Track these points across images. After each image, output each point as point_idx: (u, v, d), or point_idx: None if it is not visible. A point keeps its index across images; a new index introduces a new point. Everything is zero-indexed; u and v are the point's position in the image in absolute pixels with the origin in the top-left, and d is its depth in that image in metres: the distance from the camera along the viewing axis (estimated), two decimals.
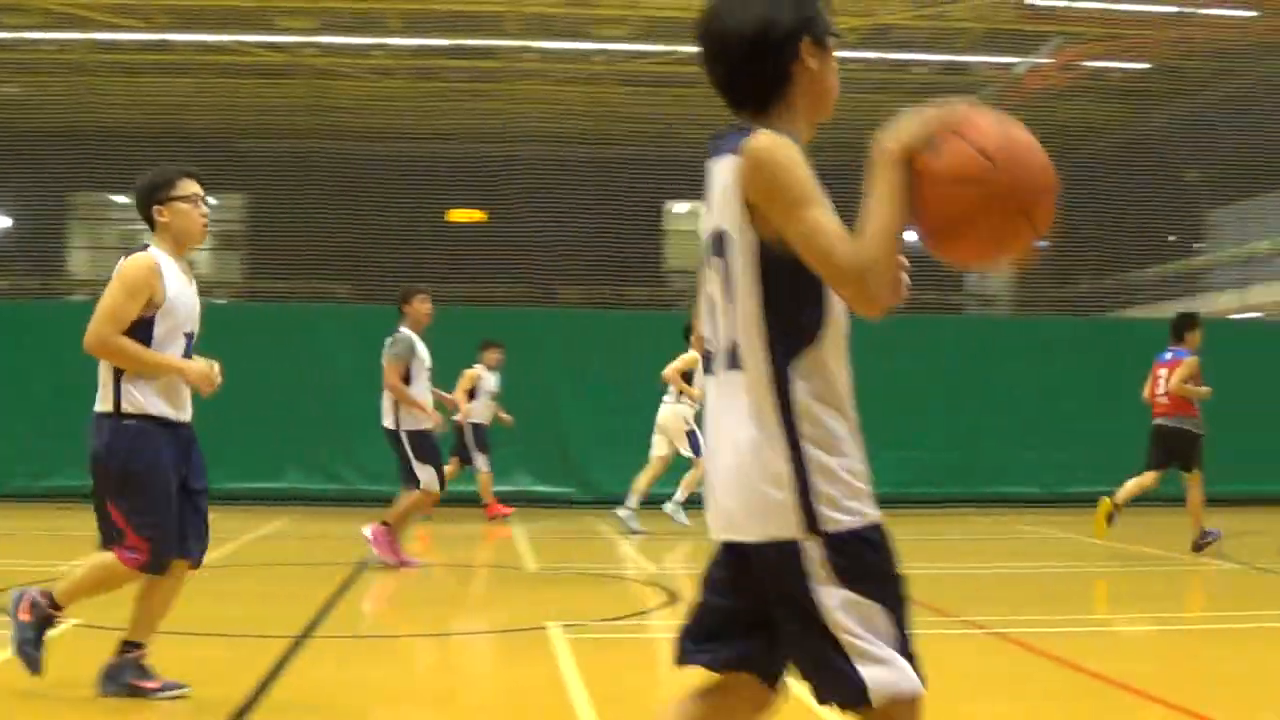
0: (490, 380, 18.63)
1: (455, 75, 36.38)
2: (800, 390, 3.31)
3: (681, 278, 45.16)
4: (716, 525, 3.46)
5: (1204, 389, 14.48)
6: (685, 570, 12.77)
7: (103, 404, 6.54)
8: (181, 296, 6.64)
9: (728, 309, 3.37)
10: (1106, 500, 14.50)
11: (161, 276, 6.51)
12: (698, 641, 3.52)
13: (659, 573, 12.44)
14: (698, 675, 3.50)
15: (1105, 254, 45.04)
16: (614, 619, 9.65)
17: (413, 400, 12.69)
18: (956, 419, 21.19)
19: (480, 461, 18.48)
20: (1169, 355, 14.84)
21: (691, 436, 16.49)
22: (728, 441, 3.37)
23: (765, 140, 3.32)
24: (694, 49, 3.51)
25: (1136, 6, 34.20)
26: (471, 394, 18.31)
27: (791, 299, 3.32)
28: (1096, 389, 21.24)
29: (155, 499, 6.47)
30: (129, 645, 6.64)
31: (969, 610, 10.01)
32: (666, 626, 9.44)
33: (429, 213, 37.54)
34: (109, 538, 6.55)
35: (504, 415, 18.71)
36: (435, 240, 35.89)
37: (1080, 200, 47.00)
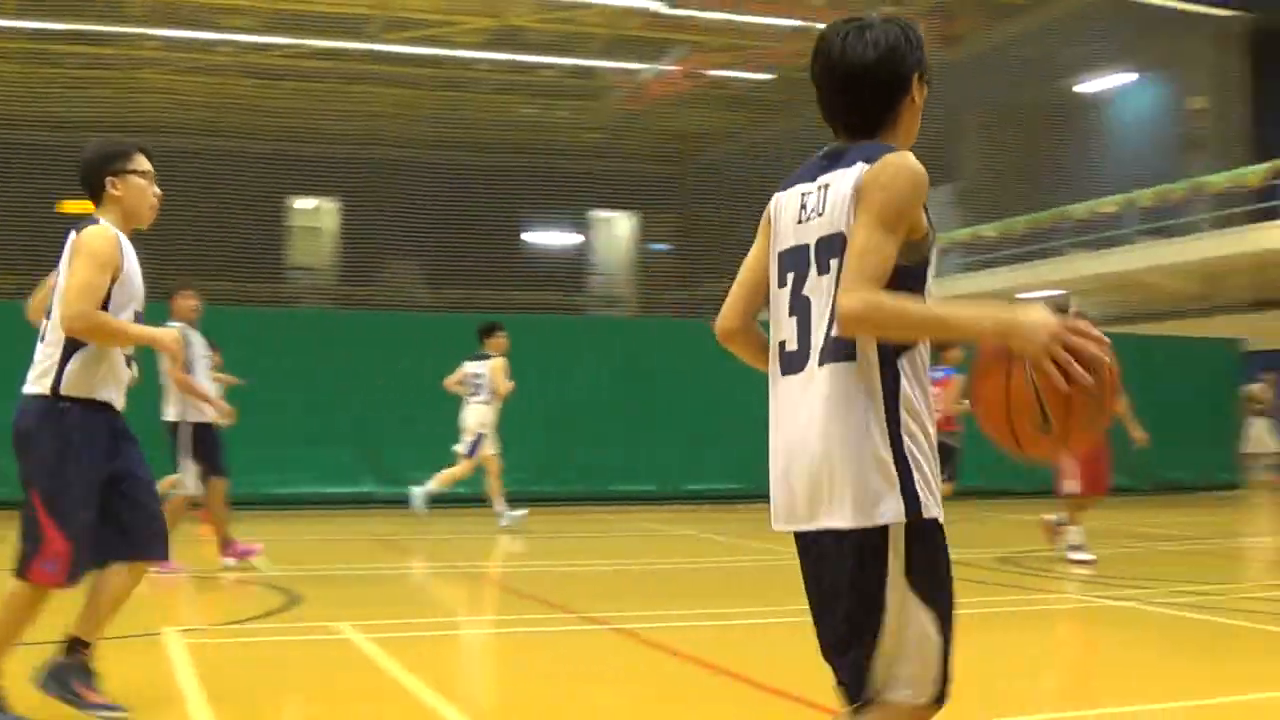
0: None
1: (71, 61, 35.02)
2: (905, 386, 3.53)
3: (306, 274, 44.46)
4: (801, 514, 3.62)
5: (966, 403, 15.28)
6: (304, 572, 12.54)
7: (38, 385, 6.10)
8: (135, 272, 6.29)
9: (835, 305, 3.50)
10: None
11: (121, 249, 6.18)
12: None
13: (280, 574, 12.18)
14: None
15: (726, 259, 46.15)
16: (232, 622, 9.40)
17: (199, 391, 12.39)
18: (577, 417, 21.41)
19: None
20: (940, 374, 15.64)
21: (476, 441, 17.05)
22: (831, 433, 3.52)
23: (906, 159, 3.55)
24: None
25: (759, 19, 35.14)
26: None
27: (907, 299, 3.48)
28: (713, 387, 21.81)
29: (85, 494, 6.07)
30: (78, 643, 6.18)
31: (592, 606, 10.10)
32: (286, 629, 9.24)
33: (41, 203, 35.98)
34: (25, 546, 6.07)
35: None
36: (48, 232, 34.46)
37: (701, 206, 48.16)
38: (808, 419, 3.58)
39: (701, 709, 6.83)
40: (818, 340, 3.59)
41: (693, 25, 35.15)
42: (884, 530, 3.45)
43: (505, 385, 17.02)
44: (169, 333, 6.50)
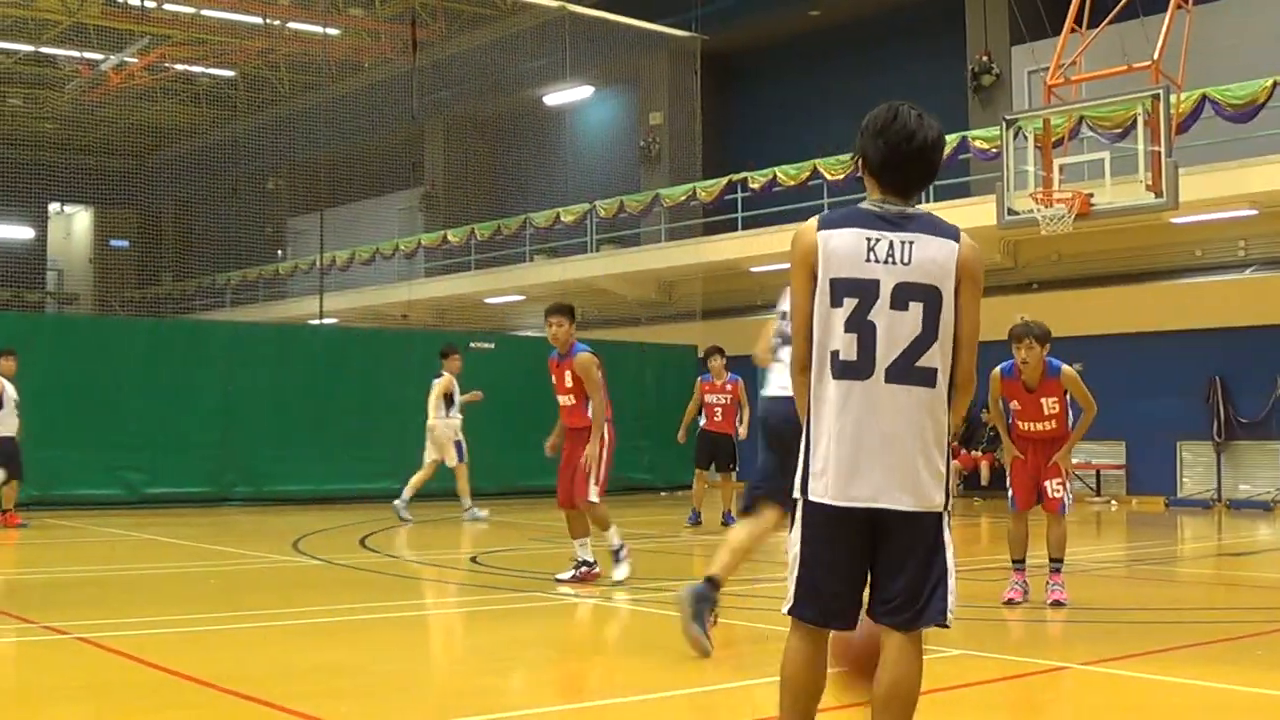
0: (11, 389, 18.09)
1: None
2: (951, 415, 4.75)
3: None
4: (864, 495, 4.59)
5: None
6: None
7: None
8: None
9: (919, 340, 4.60)
10: None
11: None
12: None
13: None
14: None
15: (189, 257, 45.16)
16: None
17: None
18: (34, 419, 20.49)
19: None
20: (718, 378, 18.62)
21: (458, 446, 19.71)
22: (905, 435, 4.60)
23: (975, 244, 4.75)
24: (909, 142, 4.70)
25: (223, 14, 34.51)
26: None
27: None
28: (175, 390, 21.29)
29: None
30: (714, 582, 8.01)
31: (48, 615, 9.73)
32: None
33: None
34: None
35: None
36: None
37: (163, 203, 46.90)
38: (898, 427, 4.60)
39: (171, 717, 6.72)
40: (886, 358, 4.59)
41: (156, 17, 34.21)
42: (939, 512, 4.65)
43: (447, 398, 19.60)
44: None
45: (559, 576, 11.82)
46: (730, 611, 9.12)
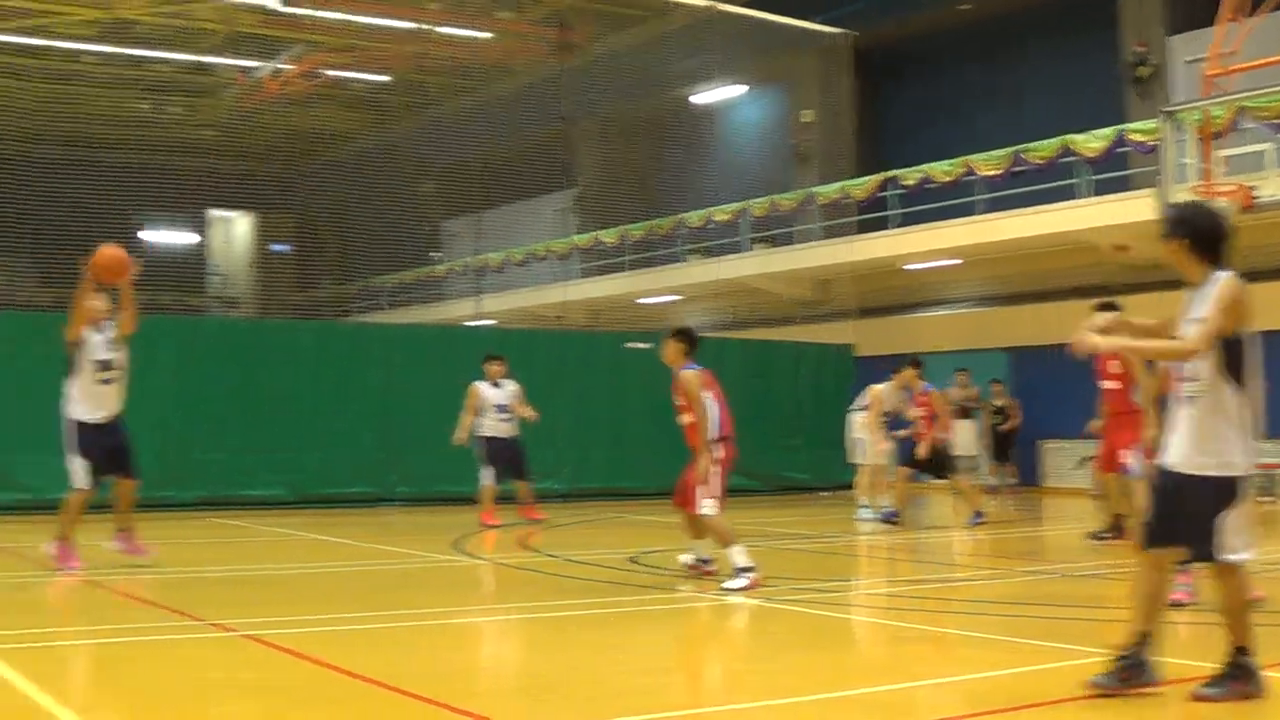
0: (493, 394, 18.93)
1: None
2: None
3: None
4: (1188, 467, 6.70)
5: None
6: None
7: None
8: None
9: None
10: None
11: None
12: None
13: None
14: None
15: (347, 260, 45.77)
16: None
17: None
18: (197, 420, 20.91)
19: None
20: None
21: (858, 444, 19.99)
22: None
23: None
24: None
25: (377, 20, 34.89)
26: None
27: None
28: (336, 391, 21.59)
29: None
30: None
31: (217, 613, 9.92)
32: None
33: None
34: None
35: None
36: None
37: (321, 207, 47.59)
38: (1194, 421, 6.76)
39: (336, 713, 6.81)
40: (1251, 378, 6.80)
41: (308, 24, 34.71)
42: None
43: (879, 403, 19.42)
44: None
45: (726, 585, 11.35)
46: (892, 614, 9.02)
